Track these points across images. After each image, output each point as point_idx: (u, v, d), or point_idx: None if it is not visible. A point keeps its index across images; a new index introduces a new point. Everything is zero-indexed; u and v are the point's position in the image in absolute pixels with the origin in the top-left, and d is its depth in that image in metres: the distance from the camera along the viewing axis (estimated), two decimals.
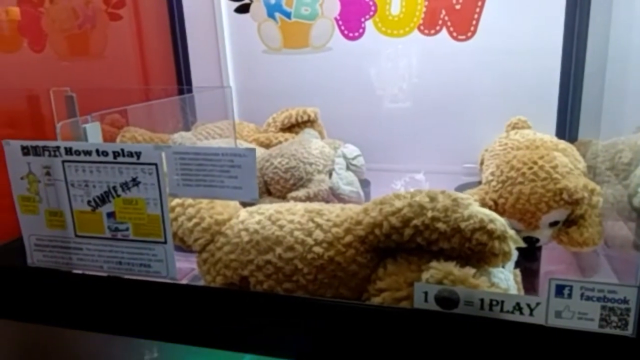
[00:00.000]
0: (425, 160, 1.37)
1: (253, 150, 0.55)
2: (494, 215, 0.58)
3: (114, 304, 0.64)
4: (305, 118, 1.20)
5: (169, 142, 1.10)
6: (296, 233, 0.61)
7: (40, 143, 0.60)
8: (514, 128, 1.14)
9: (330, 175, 1.08)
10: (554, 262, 0.95)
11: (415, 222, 0.57)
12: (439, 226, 0.56)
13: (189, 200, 0.68)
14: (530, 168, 0.89)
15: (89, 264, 0.63)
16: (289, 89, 1.40)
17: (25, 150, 0.61)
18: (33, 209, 0.63)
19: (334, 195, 1.06)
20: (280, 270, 0.61)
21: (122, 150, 0.58)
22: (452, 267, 0.54)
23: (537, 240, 0.89)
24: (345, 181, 1.06)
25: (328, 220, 0.63)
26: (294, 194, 1.03)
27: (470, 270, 0.54)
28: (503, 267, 0.61)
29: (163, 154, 0.57)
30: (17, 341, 0.70)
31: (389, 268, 0.60)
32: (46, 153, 0.61)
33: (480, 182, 1.18)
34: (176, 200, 0.68)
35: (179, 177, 0.58)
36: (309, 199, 1.03)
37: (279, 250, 0.61)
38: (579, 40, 1.21)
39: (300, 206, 0.66)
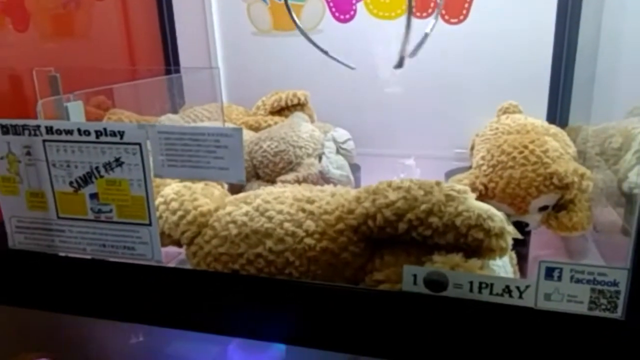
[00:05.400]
0: (416, 145, 1.36)
1: (239, 130, 0.54)
2: (492, 210, 0.56)
3: (98, 287, 0.63)
4: (295, 101, 1.18)
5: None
6: (286, 225, 0.60)
7: (20, 122, 0.59)
8: (505, 112, 1.14)
9: (320, 159, 1.07)
10: (542, 246, 0.96)
11: (409, 215, 0.55)
12: (433, 221, 0.55)
13: (171, 195, 0.66)
14: (521, 152, 0.89)
15: (72, 246, 0.61)
16: (279, 71, 1.38)
17: (5, 129, 0.59)
18: (13, 189, 0.61)
19: (324, 179, 1.05)
20: (271, 263, 0.60)
21: (105, 129, 0.56)
22: (458, 259, 0.53)
23: (527, 224, 0.89)
24: (335, 165, 1.05)
25: (319, 207, 0.61)
26: (283, 177, 1.02)
27: (476, 262, 0.53)
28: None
29: (147, 134, 0.56)
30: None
31: (386, 258, 0.59)
32: (26, 132, 0.59)
33: (470, 167, 1.18)
34: (158, 199, 0.66)
35: (164, 158, 0.57)
36: (298, 182, 1.01)
37: (269, 243, 0.60)
38: (571, 25, 1.21)
39: (288, 193, 0.64)
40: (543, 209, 0.88)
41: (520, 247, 0.92)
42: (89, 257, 0.62)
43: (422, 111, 1.34)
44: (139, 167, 0.57)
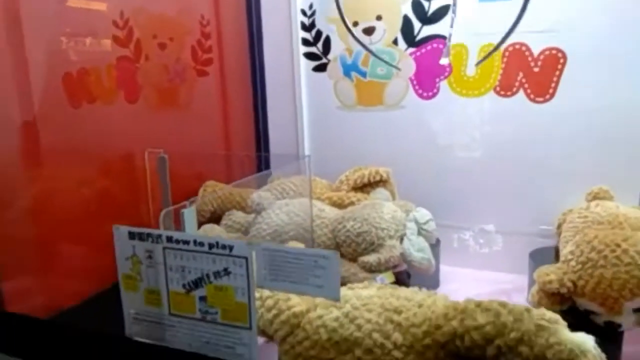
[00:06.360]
0: (498, 219, 1.35)
1: (335, 253, 0.58)
2: (586, 345, 0.56)
3: None
4: (378, 178, 1.22)
5: (248, 201, 1.17)
6: (375, 335, 0.63)
7: (145, 230, 0.67)
8: (594, 198, 1.10)
9: (402, 240, 1.09)
10: (637, 343, 0.91)
11: (497, 342, 0.57)
12: (523, 350, 0.56)
13: (266, 292, 0.72)
14: (613, 251, 0.86)
15: (180, 340, 0.68)
16: (361, 144, 1.44)
17: (132, 235, 0.68)
18: (134, 287, 0.70)
19: (405, 262, 1.07)
20: None
21: (217, 243, 0.63)
22: None
23: (620, 325, 0.86)
24: (417, 247, 1.07)
25: (406, 318, 0.64)
26: (365, 258, 1.05)
27: None
28: None
29: (253, 249, 0.62)
30: None
31: None
32: (149, 239, 0.67)
33: (556, 248, 1.15)
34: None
35: (266, 271, 0.63)
36: (379, 264, 1.05)
37: (358, 352, 0.63)
38: None
39: (376, 299, 0.68)
40: (638, 310, 0.85)
41: (612, 345, 0.89)
42: (192, 351, 0.68)
43: (506, 186, 1.33)
44: (244, 278, 0.63)
